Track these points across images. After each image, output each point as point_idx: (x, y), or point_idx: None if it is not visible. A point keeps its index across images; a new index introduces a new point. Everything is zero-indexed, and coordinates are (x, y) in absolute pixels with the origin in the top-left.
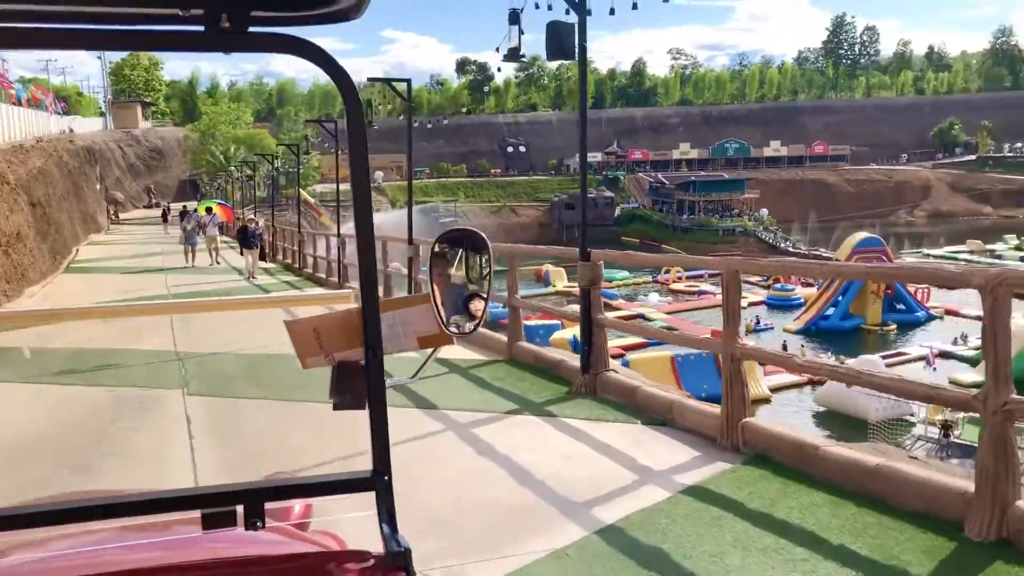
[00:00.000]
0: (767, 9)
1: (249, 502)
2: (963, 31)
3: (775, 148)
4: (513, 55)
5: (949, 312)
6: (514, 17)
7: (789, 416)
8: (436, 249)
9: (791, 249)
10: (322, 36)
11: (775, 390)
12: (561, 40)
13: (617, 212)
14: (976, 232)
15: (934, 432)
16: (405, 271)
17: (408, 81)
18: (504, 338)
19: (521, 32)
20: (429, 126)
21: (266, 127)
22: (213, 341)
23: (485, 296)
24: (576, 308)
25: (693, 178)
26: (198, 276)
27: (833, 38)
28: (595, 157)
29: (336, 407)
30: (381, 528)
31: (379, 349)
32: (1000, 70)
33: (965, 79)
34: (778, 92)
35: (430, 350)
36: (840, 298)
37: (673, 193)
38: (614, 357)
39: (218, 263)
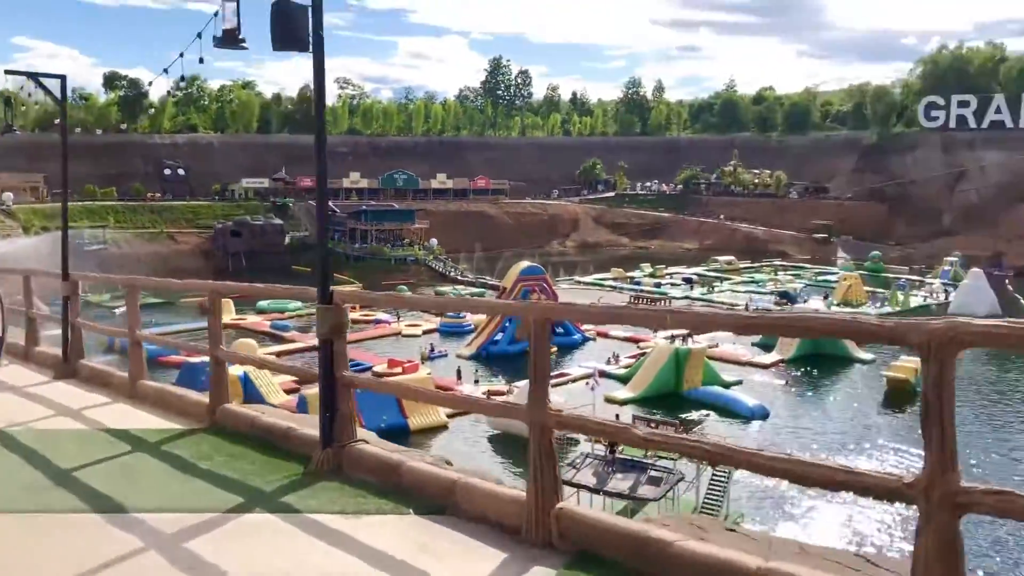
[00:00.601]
0: (427, 48)
1: None
2: (599, 80)
3: (441, 180)
4: (229, 39)
5: (600, 334)
6: None
7: (467, 442)
8: None
9: (460, 277)
10: None
11: (452, 416)
12: (294, 26)
13: (287, 240)
14: (617, 261)
15: (600, 449)
16: (51, 313)
17: (63, 78)
18: (203, 398)
19: (238, 11)
20: (100, 131)
21: None
22: None
23: None
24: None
25: (365, 207)
26: None
27: (491, 79)
28: (262, 183)
29: None
30: None
31: None
32: (631, 117)
33: (604, 123)
34: (443, 127)
35: None
36: (508, 324)
37: (345, 222)
38: (288, 392)
39: None
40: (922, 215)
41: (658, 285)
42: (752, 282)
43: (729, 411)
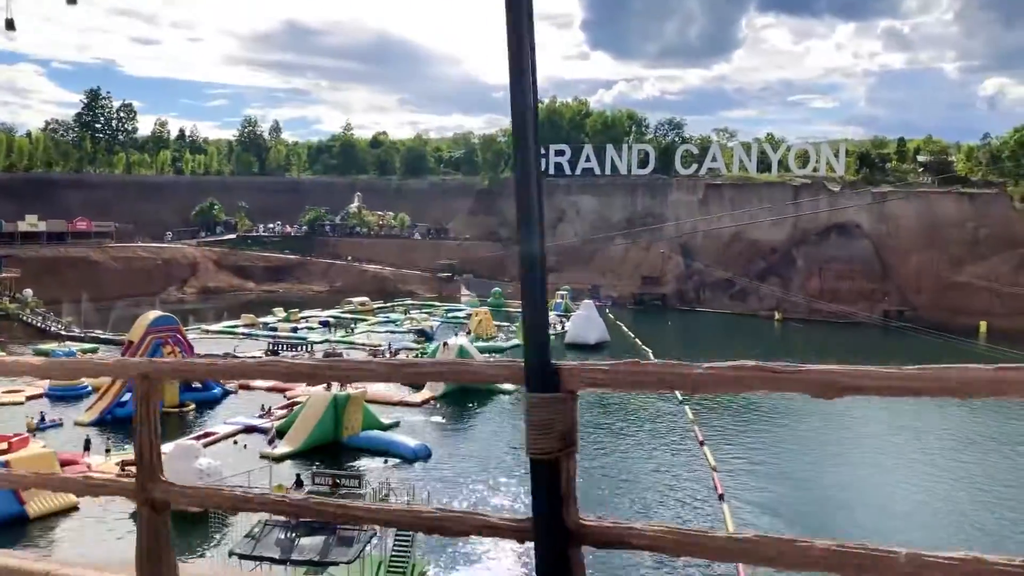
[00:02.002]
0: None
1: None
2: (199, 118)
3: (32, 223)
4: None
5: (242, 386)
6: None
7: (103, 525)
8: None
9: (64, 332)
10: None
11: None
12: None
13: None
14: (243, 306)
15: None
16: None
17: None
18: None
19: None
20: None
21: None
22: None
23: None
24: None
25: None
26: None
27: (88, 112)
28: None
29: None
30: None
31: None
32: (249, 156)
33: (219, 163)
34: (30, 163)
35: None
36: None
37: None
38: None
39: None
40: None
41: (295, 330)
42: (389, 322)
43: (392, 454)
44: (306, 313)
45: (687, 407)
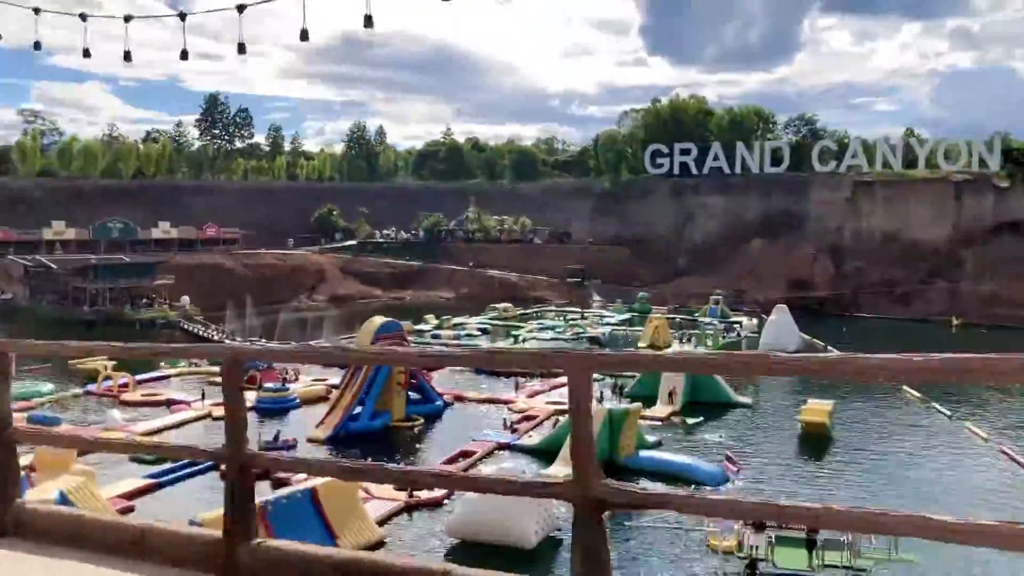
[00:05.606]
0: (65, 94)
1: None
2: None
3: (165, 229)
4: None
5: (457, 398)
6: None
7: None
8: None
9: (228, 342)
10: None
11: (382, 523)
12: None
13: None
14: (372, 313)
15: (730, 565)
16: None
17: None
18: None
19: None
20: None
21: None
22: None
23: None
24: None
25: (95, 262)
26: None
27: (206, 118)
28: None
29: None
30: None
31: None
32: (360, 163)
33: (332, 168)
34: (156, 169)
35: None
36: (364, 395)
37: (65, 280)
38: (124, 512)
39: None
40: (660, 257)
41: (457, 337)
42: (546, 328)
43: (687, 480)
44: (456, 320)
45: (968, 423)
